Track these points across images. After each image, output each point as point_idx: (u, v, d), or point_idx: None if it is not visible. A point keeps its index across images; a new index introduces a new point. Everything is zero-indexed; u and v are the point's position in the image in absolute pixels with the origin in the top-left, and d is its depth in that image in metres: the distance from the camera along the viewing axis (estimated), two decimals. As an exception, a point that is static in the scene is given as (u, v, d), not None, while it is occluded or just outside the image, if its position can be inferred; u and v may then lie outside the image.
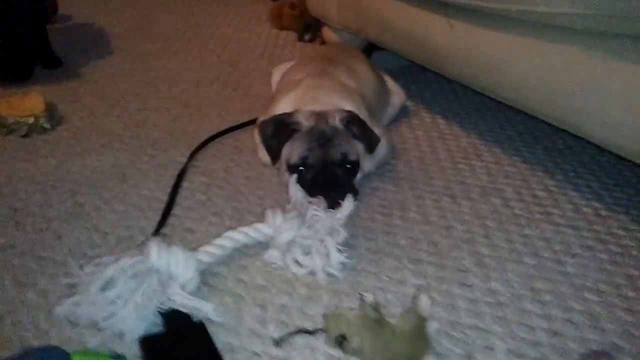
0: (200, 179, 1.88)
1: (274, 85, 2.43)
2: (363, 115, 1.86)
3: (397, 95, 2.34)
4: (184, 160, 1.97)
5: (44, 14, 2.83)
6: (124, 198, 1.76)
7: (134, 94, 2.55)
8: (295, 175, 1.66)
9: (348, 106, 1.83)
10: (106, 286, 1.24)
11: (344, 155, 1.71)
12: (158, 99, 2.50)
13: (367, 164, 1.87)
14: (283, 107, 1.87)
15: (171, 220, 1.66)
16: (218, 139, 2.15)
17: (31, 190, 1.78)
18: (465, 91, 2.70)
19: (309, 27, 3.43)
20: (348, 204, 1.52)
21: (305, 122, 1.73)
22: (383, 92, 2.24)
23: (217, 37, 3.45)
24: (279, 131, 1.74)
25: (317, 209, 1.52)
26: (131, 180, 1.85)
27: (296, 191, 1.62)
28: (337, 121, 1.74)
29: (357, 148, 1.77)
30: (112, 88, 2.61)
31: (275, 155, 1.76)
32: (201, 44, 3.31)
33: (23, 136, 2.08)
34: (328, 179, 1.68)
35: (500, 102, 2.42)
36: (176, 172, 1.89)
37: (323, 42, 3.27)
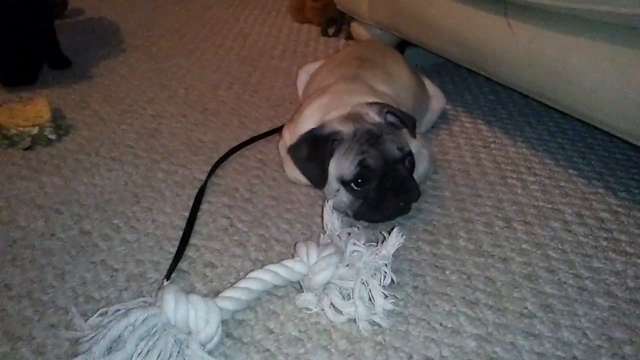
0: (221, 200, 1.68)
1: (300, 89, 2.22)
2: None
3: (436, 99, 2.12)
4: (203, 176, 1.78)
5: (51, 8, 2.59)
6: (136, 225, 1.56)
7: (147, 99, 2.34)
8: (330, 202, 1.45)
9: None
10: (114, 346, 1.04)
11: (401, 149, 1.51)
12: (173, 103, 2.29)
13: (419, 166, 1.69)
14: (309, 116, 1.65)
15: (189, 251, 1.46)
16: (240, 151, 1.94)
17: (32, 215, 1.59)
18: (507, 91, 2.47)
19: (333, 21, 3.21)
20: (395, 238, 1.31)
21: (344, 129, 1.51)
22: (422, 97, 2.02)
23: (236, 33, 3.23)
24: (317, 150, 1.51)
25: (357, 243, 1.31)
26: (144, 202, 1.65)
27: (333, 219, 1.41)
28: (375, 116, 1.54)
29: (405, 136, 1.59)
30: (124, 92, 2.41)
31: (320, 179, 1.52)
32: (219, 41, 3.09)
33: (26, 149, 1.89)
34: (397, 182, 1.48)
35: (545, 104, 2.21)
36: (194, 192, 1.69)
37: (349, 38, 3.05)
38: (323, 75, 1.88)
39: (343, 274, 1.27)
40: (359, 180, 1.48)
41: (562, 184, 1.81)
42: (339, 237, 1.37)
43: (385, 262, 1.28)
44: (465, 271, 1.42)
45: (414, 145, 1.65)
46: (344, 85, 1.71)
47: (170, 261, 1.39)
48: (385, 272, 1.26)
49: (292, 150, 1.56)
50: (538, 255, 1.48)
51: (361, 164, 1.47)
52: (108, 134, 2.04)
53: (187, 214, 1.59)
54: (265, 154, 1.94)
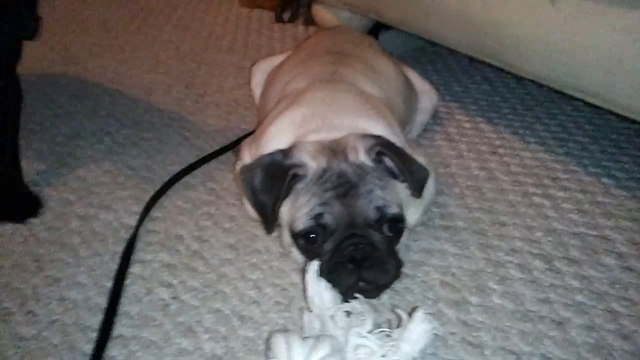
0: (159, 258, 1.22)
1: (256, 91, 1.76)
2: (399, 139, 1.21)
3: (427, 96, 1.70)
4: (132, 221, 1.31)
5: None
6: (35, 308, 1.09)
7: (61, 112, 1.84)
8: (315, 264, 1.00)
9: (376, 129, 1.18)
10: None
11: (381, 210, 1.06)
12: (94, 117, 1.80)
13: (413, 214, 1.22)
14: (276, 135, 1.20)
15: (113, 349, 1.00)
16: (183, 179, 1.48)
17: None
18: (500, 77, 2.08)
19: (288, 4, 2.75)
20: (419, 325, 0.87)
21: (312, 163, 1.09)
22: (410, 95, 1.59)
23: (174, 24, 2.71)
24: (272, 181, 1.09)
25: (362, 333, 0.87)
26: (49, 269, 1.19)
27: (321, 291, 0.96)
28: (361, 154, 1.09)
29: (398, 193, 1.12)
30: (32, 104, 1.88)
31: (269, 219, 1.10)
32: (153, 35, 2.57)
33: None
34: (358, 255, 1.03)
35: (549, 93, 1.82)
36: (120, 247, 1.22)
37: (308, 23, 2.60)
38: (288, 75, 1.43)
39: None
40: (310, 237, 1.06)
41: (599, 199, 1.42)
42: (333, 321, 0.92)
43: (409, 361, 0.84)
44: (512, 348, 1.01)
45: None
46: (322, 90, 1.26)
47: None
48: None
49: (244, 173, 1.14)
50: (601, 313, 1.08)
51: (315, 219, 1.05)
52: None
53: (109, 285, 1.12)
54: (217, 182, 1.48)
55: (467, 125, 1.77)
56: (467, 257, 1.23)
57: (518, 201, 1.41)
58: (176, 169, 1.50)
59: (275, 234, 1.24)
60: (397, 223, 1.09)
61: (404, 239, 1.14)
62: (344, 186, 1.07)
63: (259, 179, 1.11)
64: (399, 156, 1.11)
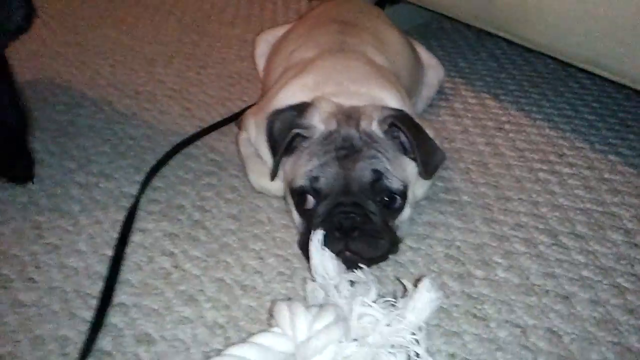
0: (160, 227, 1.20)
1: (260, 63, 1.73)
2: (407, 111, 1.19)
3: (433, 70, 1.67)
4: (134, 190, 1.29)
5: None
6: (35, 275, 1.08)
7: (62, 81, 1.82)
8: (320, 232, 0.98)
9: (392, 100, 1.16)
10: None
11: (377, 175, 1.04)
12: (95, 86, 1.78)
13: (418, 188, 1.20)
14: (289, 98, 1.18)
15: (114, 316, 0.99)
16: (185, 149, 1.46)
17: None
18: (506, 53, 2.05)
19: (292, -23, 2.69)
20: (425, 294, 0.85)
21: (320, 125, 1.08)
22: (417, 68, 1.57)
23: (175, -5, 2.67)
24: (279, 135, 1.11)
25: (367, 301, 0.86)
26: (49, 236, 1.17)
27: (325, 260, 0.95)
28: (374, 124, 1.07)
29: (405, 169, 1.10)
30: (32, 72, 1.86)
31: (272, 169, 1.13)
32: (155, 5, 2.52)
33: None
34: (348, 223, 1.01)
35: (556, 70, 1.80)
36: (121, 215, 1.21)
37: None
38: (293, 44, 1.40)
39: (351, 353, 0.82)
40: (303, 197, 1.06)
41: (606, 175, 1.40)
42: (337, 290, 0.91)
43: (414, 333, 0.83)
44: (517, 321, 1.00)
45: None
46: (332, 59, 1.24)
47: (85, 335, 0.92)
48: (417, 354, 0.81)
49: (269, 117, 1.14)
50: (606, 288, 1.07)
51: (311, 180, 1.04)
52: None
53: (110, 253, 1.11)
54: (219, 153, 1.46)
55: (473, 101, 1.75)
56: (472, 231, 1.21)
57: (524, 177, 1.39)
58: (177, 139, 1.48)
59: (277, 204, 1.23)
60: (395, 198, 1.07)
61: (406, 214, 1.12)
62: (347, 149, 1.05)
63: (272, 129, 1.12)
64: (415, 133, 1.08)
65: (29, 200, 1.26)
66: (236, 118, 1.56)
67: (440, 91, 1.76)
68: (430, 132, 1.24)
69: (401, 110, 1.10)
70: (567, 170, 1.42)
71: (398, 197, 1.07)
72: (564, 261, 1.14)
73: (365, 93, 1.15)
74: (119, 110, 1.64)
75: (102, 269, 1.08)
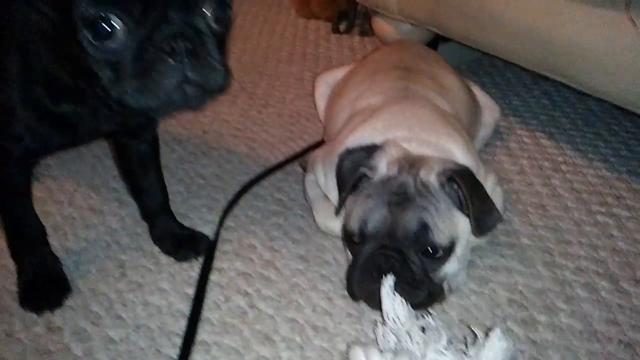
0: (234, 266, 1.27)
1: (320, 104, 1.81)
2: (474, 159, 1.24)
3: (489, 110, 1.71)
4: (207, 229, 1.37)
5: None
6: (121, 312, 1.16)
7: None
8: (390, 278, 1.04)
9: (460, 152, 1.21)
10: None
11: (423, 226, 1.07)
12: (164, 125, 1.87)
13: (469, 247, 1.21)
14: (360, 140, 1.25)
15: (197, 354, 1.06)
16: (252, 189, 1.54)
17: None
18: (561, 92, 2.07)
19: (344, 15, 2.78)
20: (497, 344, 0.90)
21: (383, 169, 1.14)
22: (474, 110, 1.61)
23: (234, 34, 2.78)
24: (347, 174, 1.18)
25: (441, 349, 0.90)
26: (132, 274, 1.25)
27: (396, 305, 1.00)
28: (432, 175, 1.11)
29: (456, 224, 1.12)
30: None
31: (338, 205, 1.20)
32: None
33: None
34: (388, 265, 1.06)
35: (609, 108, 1.82)
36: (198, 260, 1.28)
37: (363, 34, 2.65)
38: (356, 91, 1.47)
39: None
40: (352, 238, 1.13)
41: (666, 220, 1.41)
42: (409, 336, 0.96)
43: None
44: (583, 370, 1.02)
45: (489, 185, 1.24)
46: (399, 105, 1.30)
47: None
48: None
49: (340, 157, 1.21)
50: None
51: (360, 224, 1.10)
52: (85, 171, 1.61)
53: (191, 291, 1.18)
54: (284, 192, 1.53)
55: (528, 140, 1.78)
56: (534, 275, 1.24)
57: (582, 219, 1.42)
58: (245, 178, 1.56)
59: (342, 245, 1.29)
60: (438, 251, 1.09)
61: (452, 268, 1.13)
62: (400, 196, 1.09)
63: (342, 167, 1.19)
64: (473, 191, 1.09)
65: (112, 239, 1.35)
66: (298, 158, 1.63)
67: (495, 129, 1.80)
68: (492, 178, 1.29)
69: (464, 166, 1.14)
70: (625, 213, 1.44)
71: (441, 251, 1.09)
72: (626, 307, 1.16)
73: (434, 142, 1.20)
74: (189, 149, 1.73)
75: (184, 306, 1.15)
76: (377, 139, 1.21)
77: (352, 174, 1.15)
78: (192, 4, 0.85)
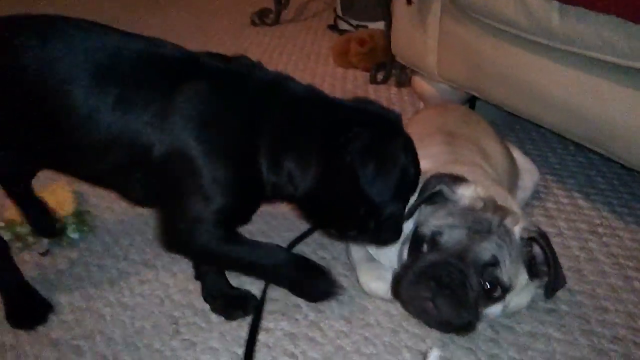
0: (281, 326, 1.34)
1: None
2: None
3: (529, 173, 1.76)
4: (254, 288, 1.43)
5: None
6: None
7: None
8: (436, 352, 1.08)
9: (517, 209, 1.29)
10: None
11: (494, 260, 1.14)
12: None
13: (517, 300, 1.28)
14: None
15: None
16: (296, 246, 1.60)
17: (44, 357, 1.26)
18: (595, 153, 2.09)
19: (382, 66, 2.87)
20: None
21: (464, 198, 1.22)
22: (514, 174, 1.66)
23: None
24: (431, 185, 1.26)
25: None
26: (185, 332, 1.32)
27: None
28: (517, 227, 1.19)
29: (518, 277, 1.20)
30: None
31: (411, 209, 1.28)
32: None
33: (43, 253, 1.56)
34: (449, 279, 1.12)
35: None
36: (248, 316, 1.35)
37: (400, 85, 2.72)
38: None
39: None
40: (420, 242, 1.20)
41: None
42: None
43: None
44: None
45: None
46: (455, 169, 1.35)
47: None
48: None
49: (428, 180, 1.28)
50: None
51: (435, 232, 1.18)
52: (139, 225, 1.70)
53: (239, 351, 1.25)
54: (327, 250, 1.59)
55: (565, 200, 1.81)
56: (571, 343, 1.28)
57: (619, 285, 1.45)
58: (290, 235, 1.62)
59: (384, 307, 1.33)
60: (497, 288, 1.16)
61: (496, 311, 1.21)
62: (481, 228, 1.16)
63: (427, 183, 1.26)
64: (552, 254, 1.18)
65: (165, 294, 1.43)
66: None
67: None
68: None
69: (544, 232, 1.22)
70: (662, 280, 1.46)
71: (499, 290, 1.16)
72: (664, 381, 1.18)
73: (497, 194, 1.27)
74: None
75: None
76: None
77: (433, 187, 1.23)
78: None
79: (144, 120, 1.08)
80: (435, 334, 1.29)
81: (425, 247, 1.20)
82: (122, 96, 1.07)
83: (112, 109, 1.07)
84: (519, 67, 1.65)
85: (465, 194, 1.22)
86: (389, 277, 1.34)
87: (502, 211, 1.20)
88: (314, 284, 1.29)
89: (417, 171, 1.19)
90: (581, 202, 1.80)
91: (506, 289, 1.17)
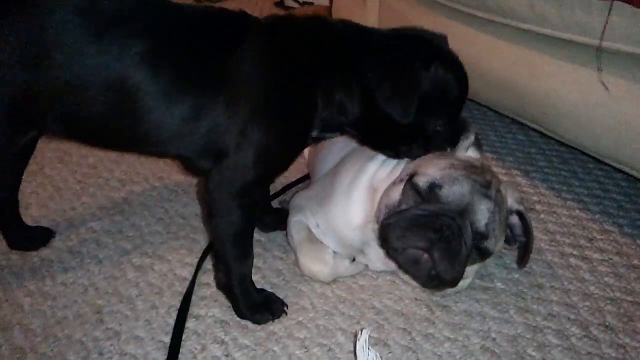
0: (212, 313, 1.28)
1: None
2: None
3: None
4: (186, 273, 1.38)
5: None
6: (104, 358, 1.15)
7: (114, 157, 1.91)
8: (366, 333, 1.05)
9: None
10: None
11: (488, 229, 1.13)
12: (146, 162, 1.88)
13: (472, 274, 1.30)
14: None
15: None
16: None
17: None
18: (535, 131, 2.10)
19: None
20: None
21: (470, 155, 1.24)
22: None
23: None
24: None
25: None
26: (110, 321, 1.26)
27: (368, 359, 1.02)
28: (511, 198, 1.22)
29: (499, 242, 1.20)
30: (86, 148, 1.95)
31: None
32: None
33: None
34: (450, 233, 1.08)
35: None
36: (175, 300, 1.29)
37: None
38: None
39: None
40: (418, 193, 1.15)
41: (635, 262, 1.45)
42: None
43: None
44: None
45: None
46: None
47: None
48: None
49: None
50: (638, 385, 1.11)
51: (436, 184, 1.13)
52: (65, 211, 1.62)
53: (167, 340, 1.19)
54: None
55: (504, 178, 1.81)
56: (507, 321, 1.27)
57: (555, 262, 1.45)
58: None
59: (320, 289, 1.30)
60: (485, 253, 1.16)
61: (473, 270, 1.25)
62: (483, 189, 1.13)
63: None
64: (530, 226, 1.22)
65: (90, 282, 1.36)
66: (277, 197, 1.65)
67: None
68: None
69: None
70: (597, 256, 1.47)
71: (485, 254, 1.16)
72: (595, 355, 1.19)
73: None
74: (170, 187, 1.74)
75: (160, 356, 1.16)
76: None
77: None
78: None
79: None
80: (369, 315, 1.26)
81: (420, 198, 1.15)
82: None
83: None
84: (457, 43, 1.62)
85: (464, 144, 1.22)
86: (331, 260, 1.31)
87: (496, 178, 1.19)
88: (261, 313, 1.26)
89: (463, 86, 1.17)
90: (520, 179, 1.81)
91: (489, 255, 1.17)
